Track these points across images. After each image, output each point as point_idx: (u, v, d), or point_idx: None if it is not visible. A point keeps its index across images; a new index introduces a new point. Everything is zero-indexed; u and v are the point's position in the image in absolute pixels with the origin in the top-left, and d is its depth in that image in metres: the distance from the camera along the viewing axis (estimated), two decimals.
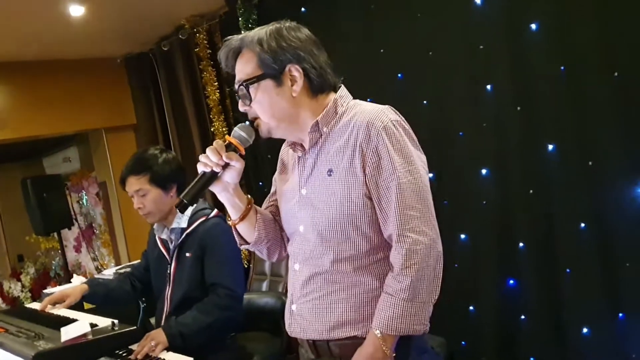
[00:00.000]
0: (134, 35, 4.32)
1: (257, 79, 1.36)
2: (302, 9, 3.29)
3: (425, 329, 1.33)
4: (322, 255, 1.38)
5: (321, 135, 1.40)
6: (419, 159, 1.35)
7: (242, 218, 1.48)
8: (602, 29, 2.15)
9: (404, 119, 1.38)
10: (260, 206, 1.57)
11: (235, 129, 1.41)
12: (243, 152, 1.39)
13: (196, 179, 1.38)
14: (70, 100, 4.60)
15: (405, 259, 1.28)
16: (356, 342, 1.34)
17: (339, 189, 1.35)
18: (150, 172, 2.22)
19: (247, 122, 1.43)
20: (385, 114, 1.34)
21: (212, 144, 1.37)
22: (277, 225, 1.54)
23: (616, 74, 2.13)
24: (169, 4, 3.78)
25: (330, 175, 1.37)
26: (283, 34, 1.37)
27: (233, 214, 1.49)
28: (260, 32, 1.38)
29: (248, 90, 1.37)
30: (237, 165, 1.37)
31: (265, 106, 1.38)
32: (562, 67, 2.29)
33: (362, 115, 1.35)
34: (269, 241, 1.53)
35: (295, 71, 1.36)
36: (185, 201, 1.35)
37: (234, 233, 1.55)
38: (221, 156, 1.35)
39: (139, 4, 3.65)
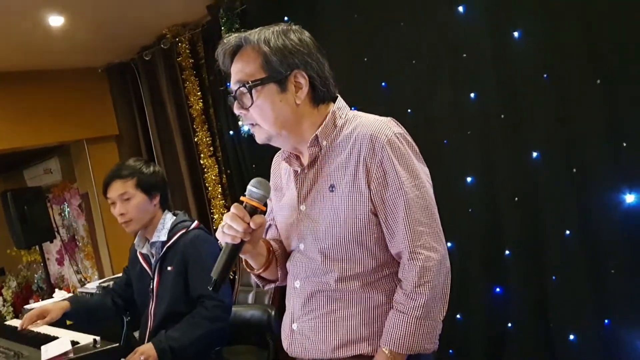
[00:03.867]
0: (115, 44, 4.27)
1: (262, 81, 1.28)
2: (285, 18, 3.28)
3: (434, 347, 1.30)
4: (325, 274, 1.32)
5: (321, 149, 1.34)
6: (423, 172, 1.32)
7: (267, 267, 1.42)
8: (585, 35, 2.16)
9: (405, 130, 1.34)
10: None
11: (250, 188, 1.30)
12: (264, 209, 1.30)
13: (222, 252, 1.28)
14: (51, 111, 4.53)
15: (419, 276, 1.25)
16: None
17: (343, 206, 1.29)
18: (137, 177, 2.22)
19: (259, 179, 1.32)
20: (388, 126, 1.30)
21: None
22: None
23: (599, 81, 2.14)
24: (151, 13, 3.74)
25: (332, 191, 1.31)
26: (290, 37, 1.30)
27: (255, 263, 1.42)
28: (266, 31, 1.31)
29: (251, 93, 1.29)
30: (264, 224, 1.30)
31: (266, 112, 1.30)
32: (545, 75, 2.30)
33: (364, 128, 1.29)
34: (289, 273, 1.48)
35: (301, 78, 1.30)
36: (216, 278, 1.27)
37: (256, 278, 1.49)
38: (247, 224, 1.25)
39: (120, 13, 3.61)
